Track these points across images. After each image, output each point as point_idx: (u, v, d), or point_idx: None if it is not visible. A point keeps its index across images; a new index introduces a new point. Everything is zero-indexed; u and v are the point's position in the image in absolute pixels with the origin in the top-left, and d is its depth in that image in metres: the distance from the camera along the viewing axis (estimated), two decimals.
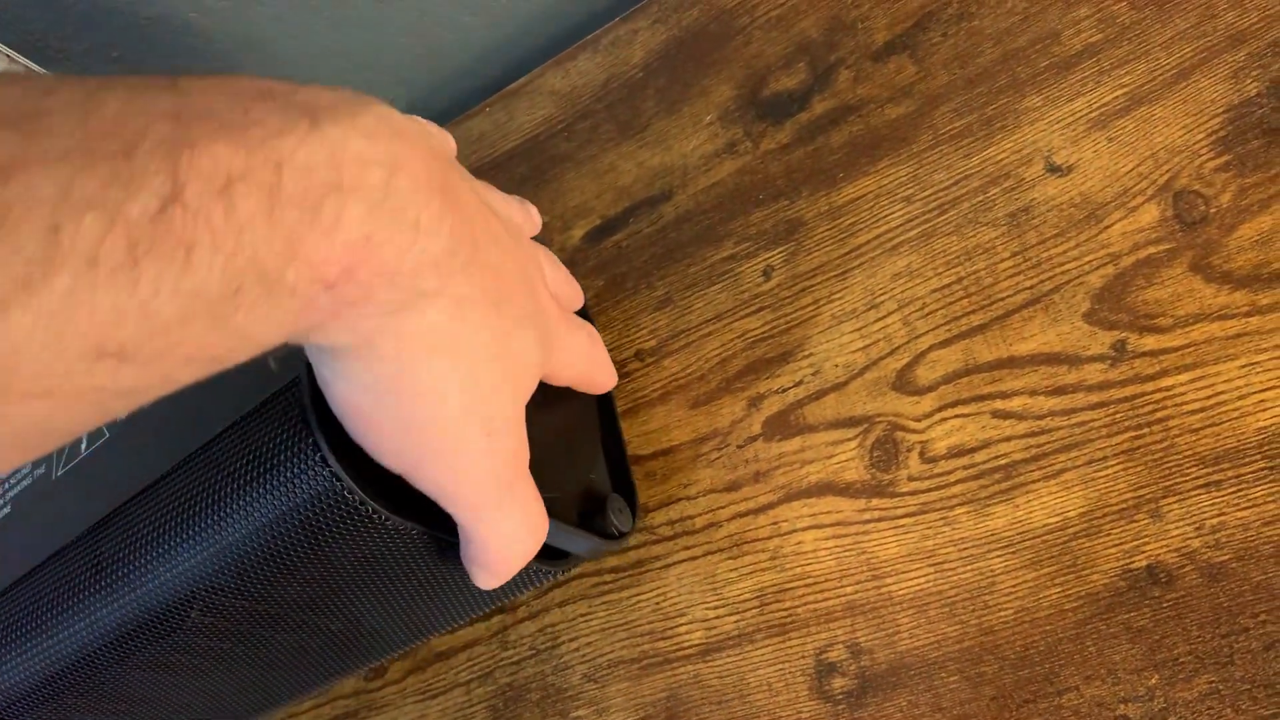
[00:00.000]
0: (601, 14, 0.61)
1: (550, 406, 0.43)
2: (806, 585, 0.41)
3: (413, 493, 0.35)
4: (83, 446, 0.44)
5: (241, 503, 0.37)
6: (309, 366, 0.34)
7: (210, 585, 0.39)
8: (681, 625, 0.43)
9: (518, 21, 0.63)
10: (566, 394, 0.43)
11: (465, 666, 0.48)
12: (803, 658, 0.40)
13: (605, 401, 0.47)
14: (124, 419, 0.43)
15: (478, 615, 0.47)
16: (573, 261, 0.53)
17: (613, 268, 0.51)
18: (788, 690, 0.40)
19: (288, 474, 0.35)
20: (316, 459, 0.34)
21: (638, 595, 0.45)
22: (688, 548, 0.44)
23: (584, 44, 0.58)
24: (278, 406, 0.36)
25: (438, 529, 0.37)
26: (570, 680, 0.45)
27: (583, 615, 0.46)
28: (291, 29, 0.60)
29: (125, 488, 0.41)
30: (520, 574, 0.41)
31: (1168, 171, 0.39)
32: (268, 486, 0.36)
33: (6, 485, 0.47)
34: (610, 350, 0.49)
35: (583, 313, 0.47)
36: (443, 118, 0.61)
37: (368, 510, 0.35)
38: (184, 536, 0.38)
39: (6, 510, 0.46)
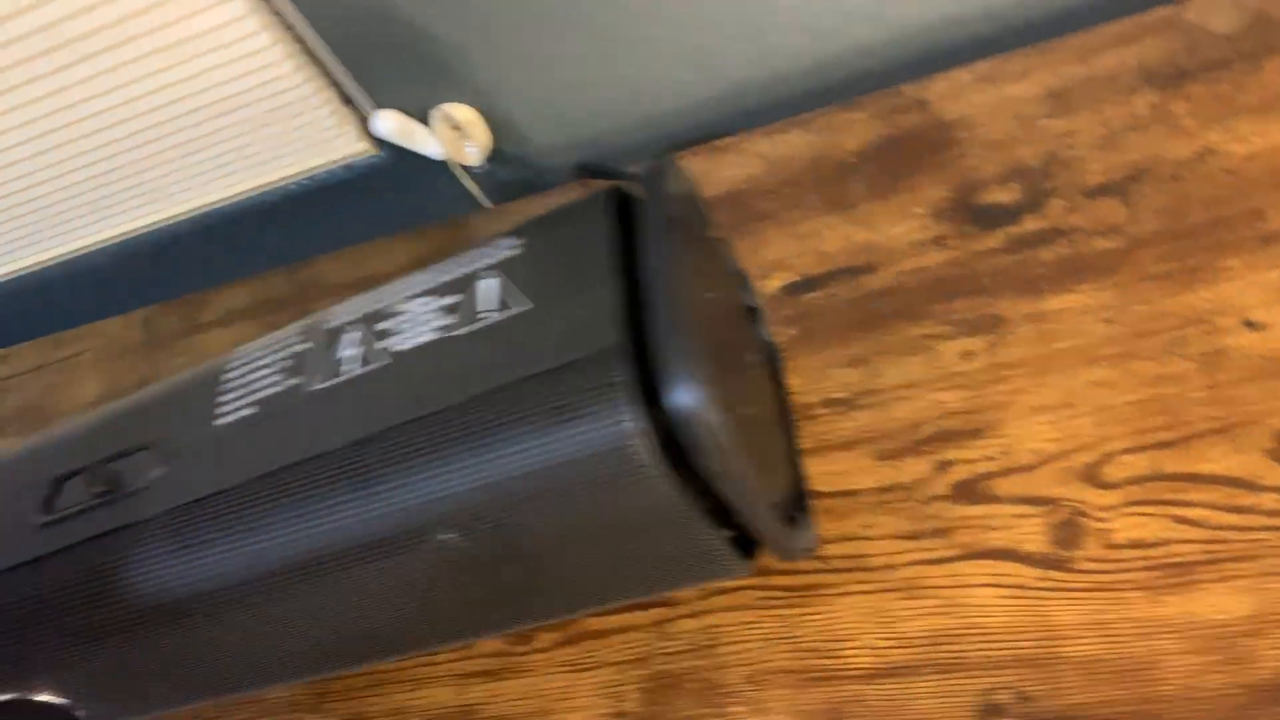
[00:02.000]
0: (813, 97, 0.68)
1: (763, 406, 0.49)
2: (979, 634, 0.46)
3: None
4: (341, 369, 0.48)
5: (542, 440, 0.41)
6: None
7: (477, 513, 0.43)
8: (848, 648, 0.48)
9: (728, 87, 0.69)
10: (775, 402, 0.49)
11: (620, 647, 0.52)
12: (969, 695, 0.44)
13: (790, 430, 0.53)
14: (393, 361, 0.47)
15: (645, 599, 0.51)
16: (768, 308, 0.58)
17: (807, 321, 0.57)
18: None
19: (597, 421, 0.40)
20: (628, 415, 0.39)
21: (805, 615, 0.49)
22: (862, 582, 0.49)
23: (795, 120, 0.64)
24: (592, 364, 0.41)
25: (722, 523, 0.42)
26: (728, 679, 0.49)
27: (747, 623, 0.50)
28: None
29: (385, 413, 0.45)
30: (698, 566, 0.46)
31: None
32: (574, 429, 0.40)
33: (254, 388, 0.50)
34: (799, 395, 0.55)
35: (771, 346, 0.54)
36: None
37: (659, 473, 0.40)
38: (472, 462, 0.42)
39: (254, 410, 0.49)
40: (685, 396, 0.39)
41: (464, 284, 0.48)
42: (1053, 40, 0.60)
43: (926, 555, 0.48)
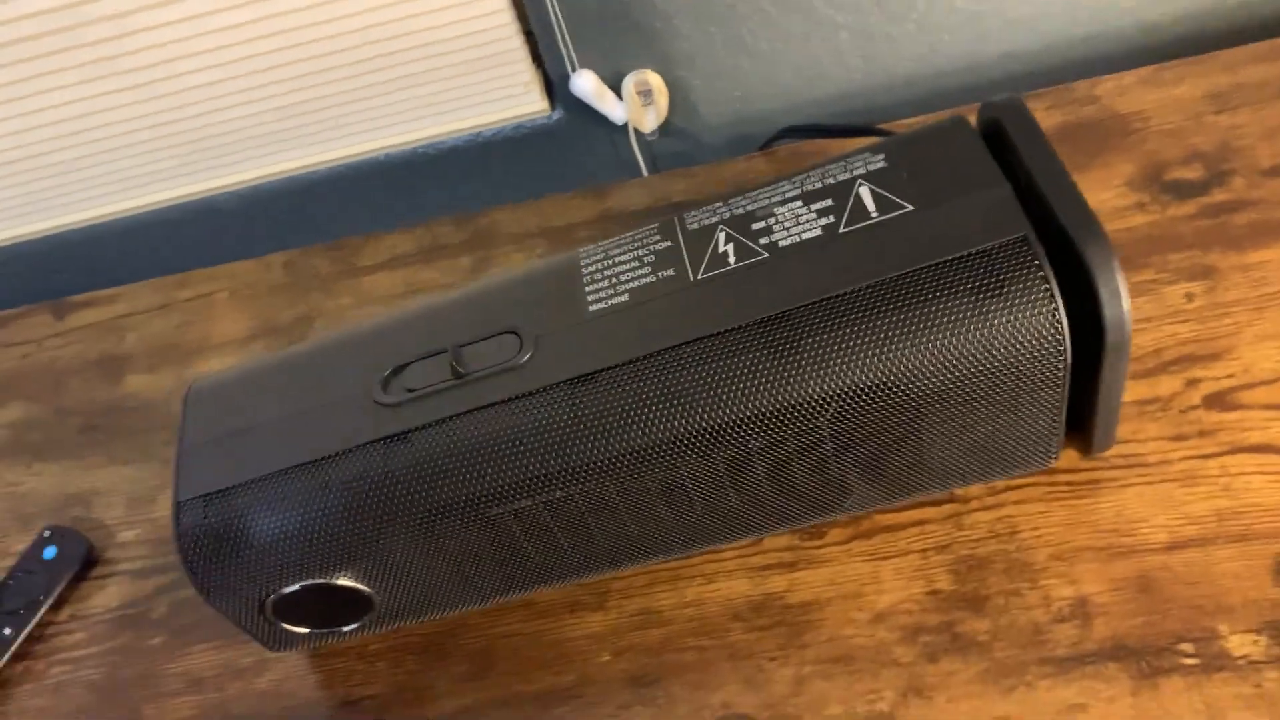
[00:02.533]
0: (969, 92, 0.77)
1: None
2: (1261, 510, 0.54)
3: None
4: (726, 261, 0.52)
5: (970, 313, 0.47)
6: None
7: (893, 382, 0.48)
8: (1144, 528, 0.55)
9: (890, 79, 0.77)
10: None
11: (916, 539, 0.57)
12: (1265, 558, 0.53)
13: None
14: (774, 255, 0.51)
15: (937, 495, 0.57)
16: None
17: None
18: (1252, 577, 0.52)
19: (1022, 300, 0.47)
20: (1050, 296, 0.46)
21: (1097, 503, 0.56)
22: (1142, 476, 0.57)
23: (970, 109, 0.73)
24: (1009, 250, 0.47)
25: None
26: (1036, 558, 0.55)
27: (1041, 513, 0.57)
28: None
29: (801, 291, 0.49)
30: (1028, 453, 0.53)
31: None
32: (1000, 304, 0.47)
33: (622, 280, 0.53)
34: None
35: None
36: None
37: (1062, 352, 0.47)
38: (900, 330, 0.47)
39: (626, 299, 0.52)
40: (1105, 286, 0.46)
41: (838, 191, 0.53)
42: (1198, 56, 0.72)
43: (1196, 452, 0.57)
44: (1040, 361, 0.48)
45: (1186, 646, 0.51)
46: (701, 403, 0.49)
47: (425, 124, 0.79)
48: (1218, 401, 0.58)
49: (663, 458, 0.50)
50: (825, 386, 0.48)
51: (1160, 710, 0.50)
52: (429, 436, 0.51)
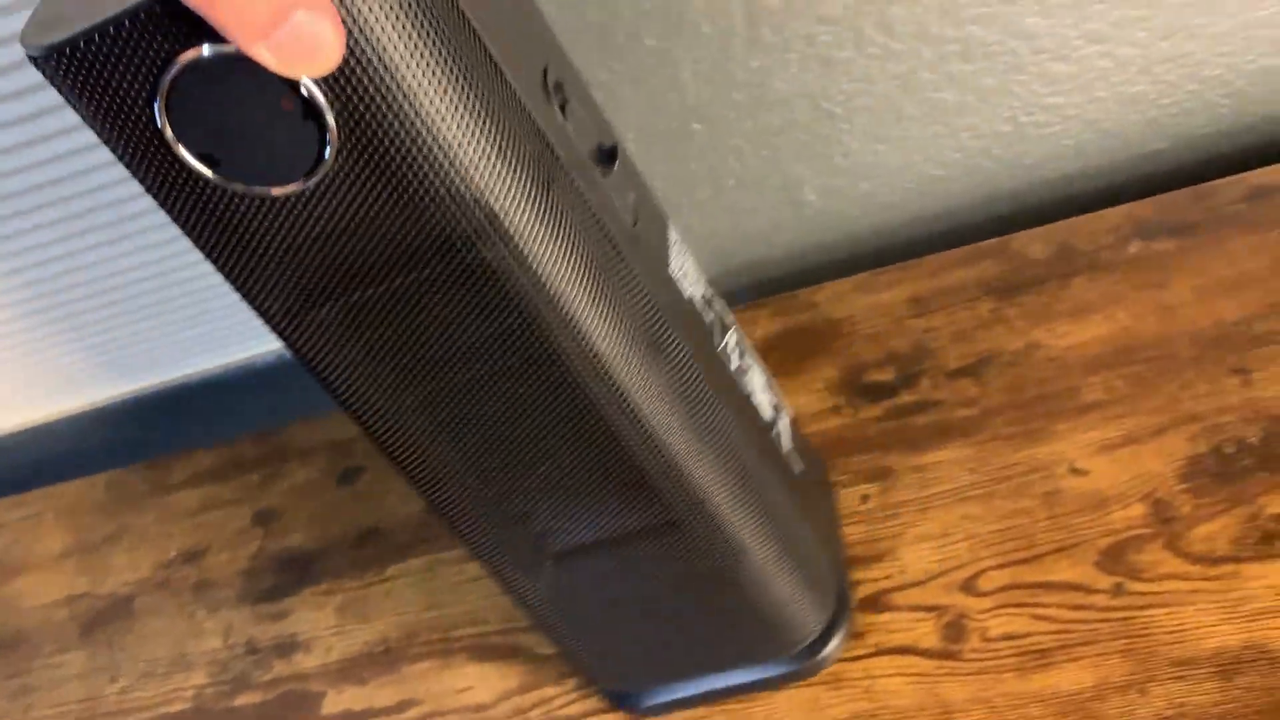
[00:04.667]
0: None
1: None
2: (894, 712, 0.57)
3: None
4: None
5: None
6: None
7: None
8: None
9: None
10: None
11: None
12: None
13: None
14: None
15: None
16: None
17: None
18: None
19: None
20: None
21: (750, 710, 0.60)
22: (794, 678, 0.60)
23: None
24: None
25: None
26: None
27: None
28: None
29: None
30: None
31: (1149, 486, 0.61)
32: None
33: None
34: None
35: None
36: None
37: None
38: None
39: None
40: None
41: None
42: (910, 261, 0.78)
43: (845, 654, 0.60)
44: None
45: None
46: None
47: (247, 345, 0.87)
48: (872, 603, 0.61)
49: None
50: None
51: None
52: None
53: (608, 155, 0.43)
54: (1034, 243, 0.76)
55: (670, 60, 0.72)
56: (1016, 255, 0.76)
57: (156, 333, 0.83)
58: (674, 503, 0.46)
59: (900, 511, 0.65)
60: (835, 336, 0.75)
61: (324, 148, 0.32)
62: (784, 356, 0.75)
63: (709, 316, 0.51)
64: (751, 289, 0.84)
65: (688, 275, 0.50)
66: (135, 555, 0.81)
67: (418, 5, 0.31)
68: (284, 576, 0.75)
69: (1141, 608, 0.57)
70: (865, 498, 0.66)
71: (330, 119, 0.32)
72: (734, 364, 0.53)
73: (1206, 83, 0.76)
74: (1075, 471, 0.63)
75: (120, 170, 0.71)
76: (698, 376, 0.44)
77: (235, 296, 0.70)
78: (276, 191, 0.34)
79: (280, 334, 0.39)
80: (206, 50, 0.30)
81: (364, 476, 0.80)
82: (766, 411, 0.56)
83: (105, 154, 0.71)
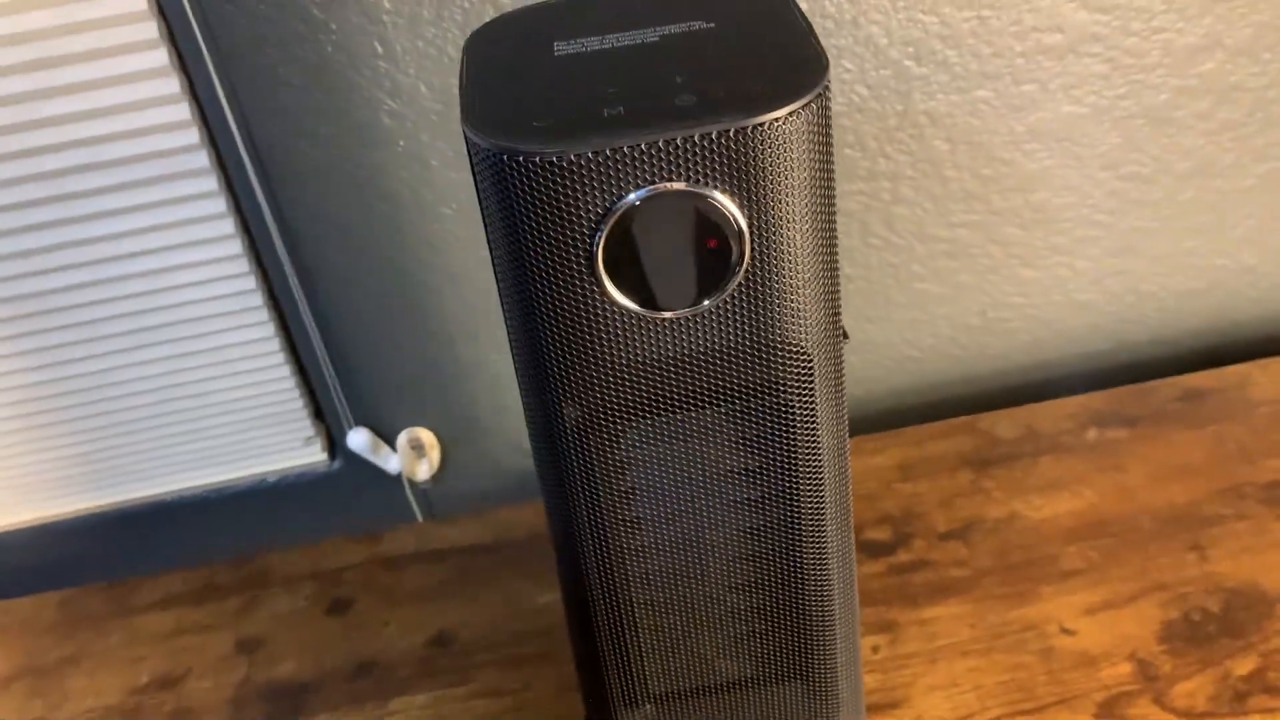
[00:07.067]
0: None
1: None
2: None
3: None
4: None
5: None
6: None
7: None
8: None
9: None
10: None
11: None
12: None
13: None
14: None
15: None
16: None
17: None
18: None
19: None
20: None
21: None
22: None
23: None
24: None
25: None
26: None
27: None
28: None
29: None
30: None
31: (1132, 646, 0.68)
32: None
33: None
34: None
35: None
36: None
37: None
38: None
39: None
40: None
41: None
42: (894, 430, 0.85)
43: None
44: None
45: None
46: None
47: (214, 471, 0.85)
48: None
49: None
50: None
51: None
52: None
53: None
54: (1000, 422, 0.85)
55: None
56: (986, 433, 0.84)
57: (112, 450, 0.81)
58: (816, 652, 0.50)
59: (910, 662, 0.69)
60: None
61: (729, 279, 0.35)
62: None
63: None
64: None
65: None
66: (97, 679, 0.76)
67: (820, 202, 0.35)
68: (276, 706, 0.73)
69: None
70: (876, 648, 0.70)
71: (748, 256, 0.34)
72: None
73: (1143, 296, 0.87)
74: (1065, 631, 0.70)
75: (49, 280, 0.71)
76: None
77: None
78: (665, 315, 0.36)
79: (563, 439, 0.40)
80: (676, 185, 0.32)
81: (356, 607, 0.79)
82: None
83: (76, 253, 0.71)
